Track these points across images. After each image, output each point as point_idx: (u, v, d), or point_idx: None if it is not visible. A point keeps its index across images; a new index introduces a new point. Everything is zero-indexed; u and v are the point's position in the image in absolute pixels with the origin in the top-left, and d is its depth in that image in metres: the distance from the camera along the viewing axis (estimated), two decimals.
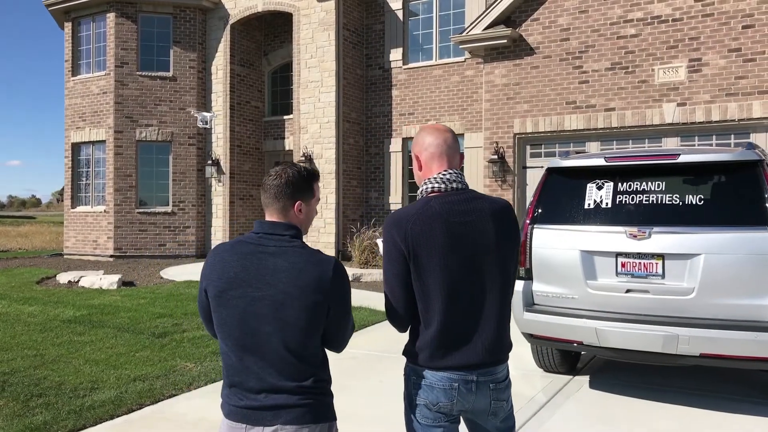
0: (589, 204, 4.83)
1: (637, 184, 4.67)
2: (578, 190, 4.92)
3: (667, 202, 4.52)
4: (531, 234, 5.03)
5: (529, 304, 5.03)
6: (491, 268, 2.25)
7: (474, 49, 12.29)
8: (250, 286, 2.05)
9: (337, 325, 2.10)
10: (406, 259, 2.20)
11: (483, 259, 2.23)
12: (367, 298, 9.56)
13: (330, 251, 14.34)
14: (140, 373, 5.79)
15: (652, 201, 4.58)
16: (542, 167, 11.77)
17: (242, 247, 2.12)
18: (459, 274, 2.20)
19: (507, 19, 11.80)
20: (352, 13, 14.90)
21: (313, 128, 14.66)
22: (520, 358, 6.32)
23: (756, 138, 10.11)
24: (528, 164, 11.97)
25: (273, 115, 17.07)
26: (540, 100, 11.61)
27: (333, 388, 2.28)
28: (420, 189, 2.32)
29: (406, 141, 14.75)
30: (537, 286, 5.01)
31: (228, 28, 16.00)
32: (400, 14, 14.74)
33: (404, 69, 14.73)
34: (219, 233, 16.04)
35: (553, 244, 4.92)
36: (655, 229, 4.48)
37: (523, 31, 11.74)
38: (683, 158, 4.52)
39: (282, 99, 17.03)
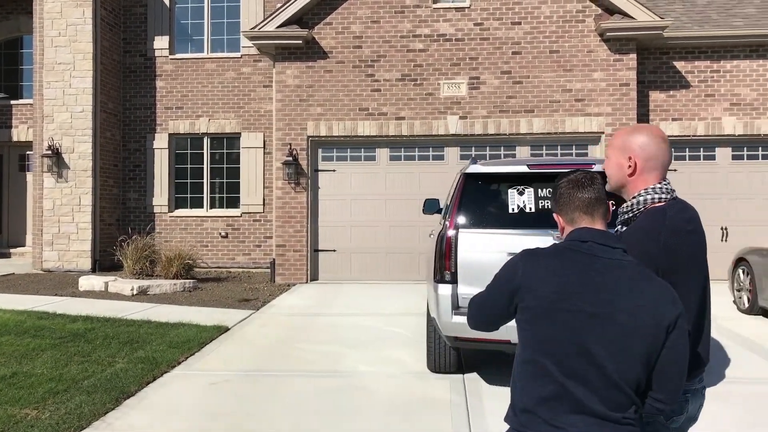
0: (513, 208, 5.06)
1: None
2: (500, 195, 5.12)
3: None
4: (456, 238, 5.07)
5: (456, 307, 5.07)
6: None
7: (264, 47, 11.87)
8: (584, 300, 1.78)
9: None
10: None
11: None
12: (172, 313, 8.56)
13: (85, 261, 12.47)
14: None
15: None
16: (334, 170, 11.91)
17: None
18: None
19: (299, 19, 11.65)
20: None
21: (62, 117, 12.58)
22: (402, 363, 6.32)
23: (520, 150, 11.63)
24: (320, 167, 11.97)
25: None
26: (334, 105, 11.71)
27: None
28: (637, 198, 2.21)
29: (174, 137, 13.56)
30: (463, 289, 5.08)
31: None
32: None
33: (171, 59, 13.52)
34: None
35: (479, 248, 5.03)
36: None
37: (316, 33, 11.71)
38: (597, 167, 5.02)
39: (8, 80, 14.25)
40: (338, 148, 11.97)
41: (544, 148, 11.61)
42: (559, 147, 11.59)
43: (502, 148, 11.65)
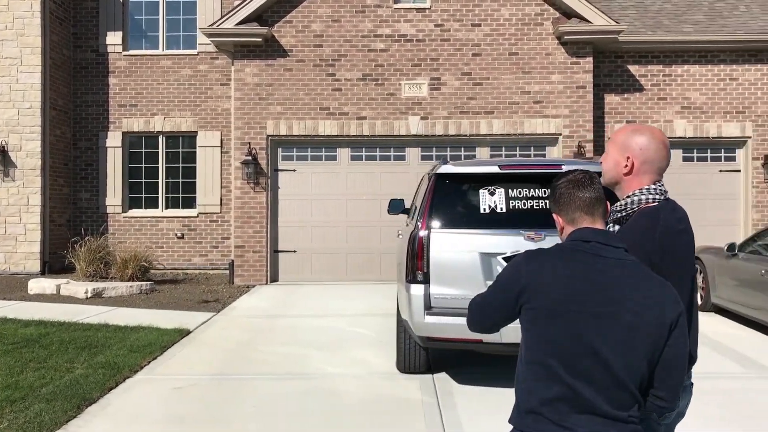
0: (484, 209, 5.08)
1: (526, 191, 5.09)
2: (471, 195, 5.14)
3: None
4: (428, 238, 5.07)
5: (428, 308, 5.07)
6: None
7: (222, 44, 11.66)
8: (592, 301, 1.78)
9: None
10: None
11: None
12: (130, 316, 8.32)
13: (33, 264, 12.02)
14: None
15: (542, 206, 5.05)
16: (294, 170, 11.79)
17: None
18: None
19: (259, 17, 11.48)
20: None
21: (9, 114, 12.10)
22: (369, 364, 6.29)
23: (480, 151, 11.74)
24: (280, 167, 11.83)
25: None
26: (294, 104, 11.59)
27: None
28: (631, 197, 2.23)
29: (128, 135, 13.20)
30: (435, 289, 5.08)
31: None
32: None
33: (124, 55, 13.16)
34: None
35: (451, 248, 5.04)
36: (548, 231, 4.95)
37: (276, 31, 11.56)
38: (566, 168, 5.09)
39: None
40: (298, 148, 11.85)
41: (503, 149, 11.74)
42: (518, 148, 11.74)
43: (462, 148, 11.74)
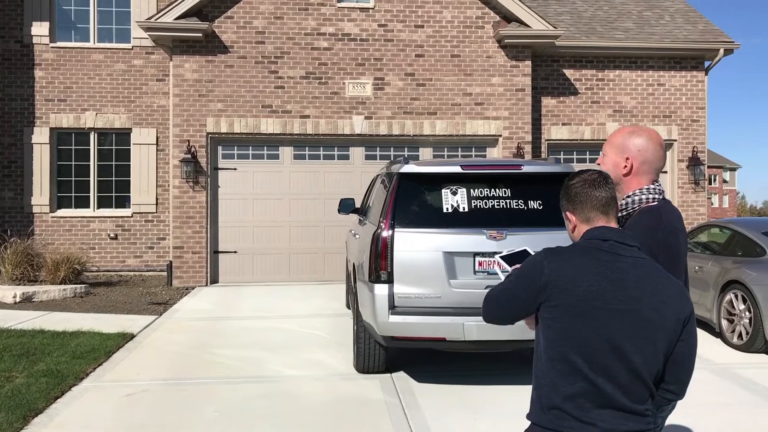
0: (447, 208, 5.13)
1: (487, 191, 5.17)
2: (434, 195, 5.17)
3: (515, 207, 5.14)
4: (392, 238, 5.07)
5: (392, 307, 5.06)
6: None
7: (160, 39, 11.29)
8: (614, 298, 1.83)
9: None
10: None
11: None
12: (67, 321, 7.93)
13: None
14: None
15: (503, 205, 5.14)
16: (235, 169, 11.56)
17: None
18: None
19: (199, 12, 11.18)
20: None
21: None
22: (326, 365, 6.23)
23: (423, 152, 11.85)
24: (220, 165, 11.56)
25: None
26: (235, 101, 11.34)
27: None
28: (631, 197, 2.31)
29: (56, 131, 12.56)
30: (399, 289, 5.08)
31: None
32: None
33: (52, 47, 12.52)
34: None
35: (415, 247, 5.06)
36: (509, 230, 5.05)
37: (216, 27, 11.29)
38: (525, 168, 5.21)
39: None
40: (240, 146, 11.61)
41: (446, 149, 11.89)
42: (460, 149, 11.92)
43: (406, 149, 11.80)
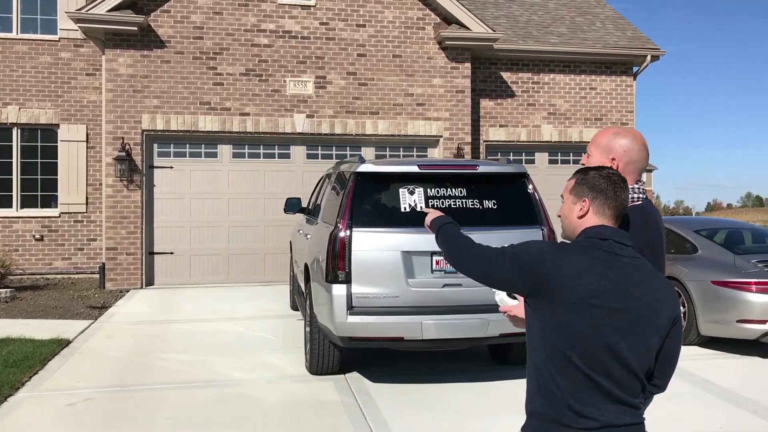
0: (405, 207, 5.13)
1: (444, 190, 5.20)
2: (391, 194, 5.16)
3: (470, 206, 5.20)
4: (350, 238, 5.02)
5: (350, 307, 5.02)
6: None
7: (92, 31, 10.81)
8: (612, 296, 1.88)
9: None
10: None
11: None
12: (4, 327, 7.49)
13: None
14: None
15: (459, 205, 5.19)
16: (171, 167, 11.21)
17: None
18: None
19: (134, 4, 10.77)
20: None
21: None
22: (278, 367, 6.12)
23: (366, 151, 11.83)
24: (156, 164, 11.17)
25: None
26: (172, 97, 10.99)
27: None
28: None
29: None
30: (356, 289, 5.04)
31: None
32: None
33: None
34: None
35: (373, 247, 5.03)
36: (465, 229, 5.08)
37: (152, 21, 10.90)
38: (481, 169, 5.27)
39: None
40: (176, 144, 11.26)
41: (388, 149, 11.92)
42: (401, 149, 11.97)
43: (348, 148, 11.75)
